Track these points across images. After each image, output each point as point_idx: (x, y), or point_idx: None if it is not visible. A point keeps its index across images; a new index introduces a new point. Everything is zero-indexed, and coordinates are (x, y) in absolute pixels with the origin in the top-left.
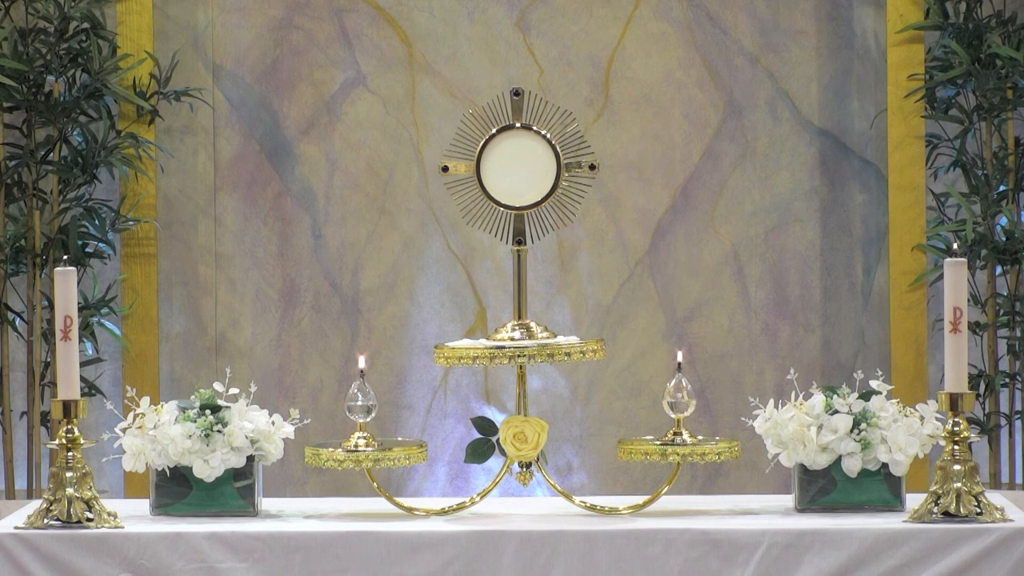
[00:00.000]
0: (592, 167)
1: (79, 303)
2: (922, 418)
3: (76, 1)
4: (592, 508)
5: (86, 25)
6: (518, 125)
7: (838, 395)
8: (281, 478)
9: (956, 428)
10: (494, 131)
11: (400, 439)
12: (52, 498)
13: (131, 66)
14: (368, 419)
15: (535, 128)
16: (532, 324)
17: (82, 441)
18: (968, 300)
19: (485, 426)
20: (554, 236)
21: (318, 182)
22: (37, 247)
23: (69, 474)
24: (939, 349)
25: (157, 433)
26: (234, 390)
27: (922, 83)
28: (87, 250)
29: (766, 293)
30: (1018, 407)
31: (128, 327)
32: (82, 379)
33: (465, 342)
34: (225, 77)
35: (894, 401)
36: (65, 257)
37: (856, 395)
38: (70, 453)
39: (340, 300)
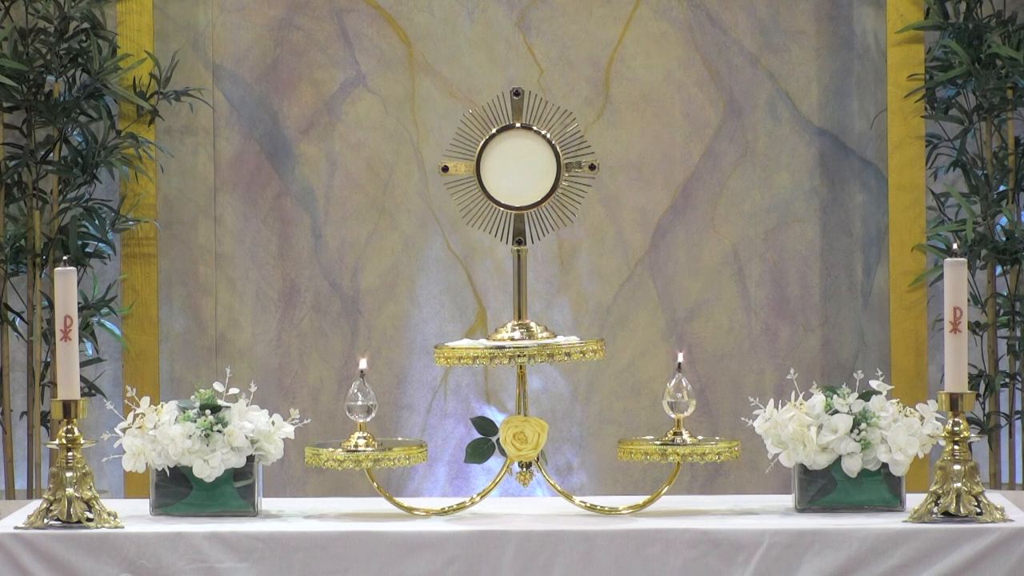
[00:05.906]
0: (592, 167)
1: (79, 303)
2: (922, 418)
3: (76, 1)
4: (592, 508)
5: (86, 25)
6: (518, 125)
7: (838, 395)
8: (281, 478)
9: (956, 428)
10: (494, 131)
11: (400, 439)
12: (52, 498)
13: (131, 66)
14: (368, 419)
15: (535, 128)
16: (532, 324)
17: (82, 441)
18: (968, 300)
19: (485, 426)
20: (554, 236)
21: (318, 182)
22: (37, 247)
23: (69, 474)
24: (939, 349)
25: (157, 433)
26: (234, 390)
27: (922, 83)
28: (87, 250)
29: (766, 293)
30: (1018, 407)
31: (128, 327)
32: (82, 379)
33: (465, 342)
34: (225, 77)
35: (894, 401)
36: (65, 257)
37: (856, 395)
38: (70, 453)
39: (340, 300)
